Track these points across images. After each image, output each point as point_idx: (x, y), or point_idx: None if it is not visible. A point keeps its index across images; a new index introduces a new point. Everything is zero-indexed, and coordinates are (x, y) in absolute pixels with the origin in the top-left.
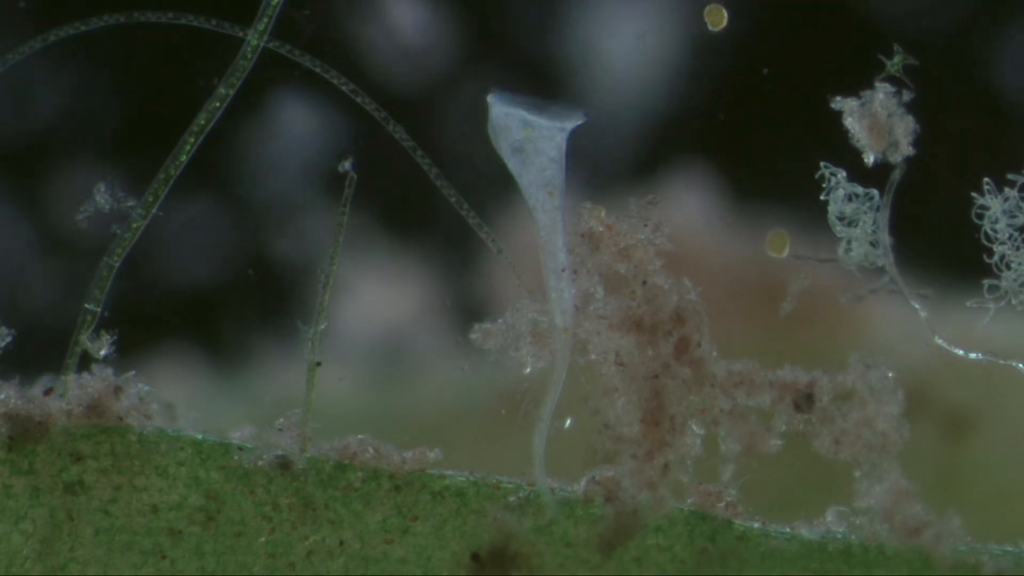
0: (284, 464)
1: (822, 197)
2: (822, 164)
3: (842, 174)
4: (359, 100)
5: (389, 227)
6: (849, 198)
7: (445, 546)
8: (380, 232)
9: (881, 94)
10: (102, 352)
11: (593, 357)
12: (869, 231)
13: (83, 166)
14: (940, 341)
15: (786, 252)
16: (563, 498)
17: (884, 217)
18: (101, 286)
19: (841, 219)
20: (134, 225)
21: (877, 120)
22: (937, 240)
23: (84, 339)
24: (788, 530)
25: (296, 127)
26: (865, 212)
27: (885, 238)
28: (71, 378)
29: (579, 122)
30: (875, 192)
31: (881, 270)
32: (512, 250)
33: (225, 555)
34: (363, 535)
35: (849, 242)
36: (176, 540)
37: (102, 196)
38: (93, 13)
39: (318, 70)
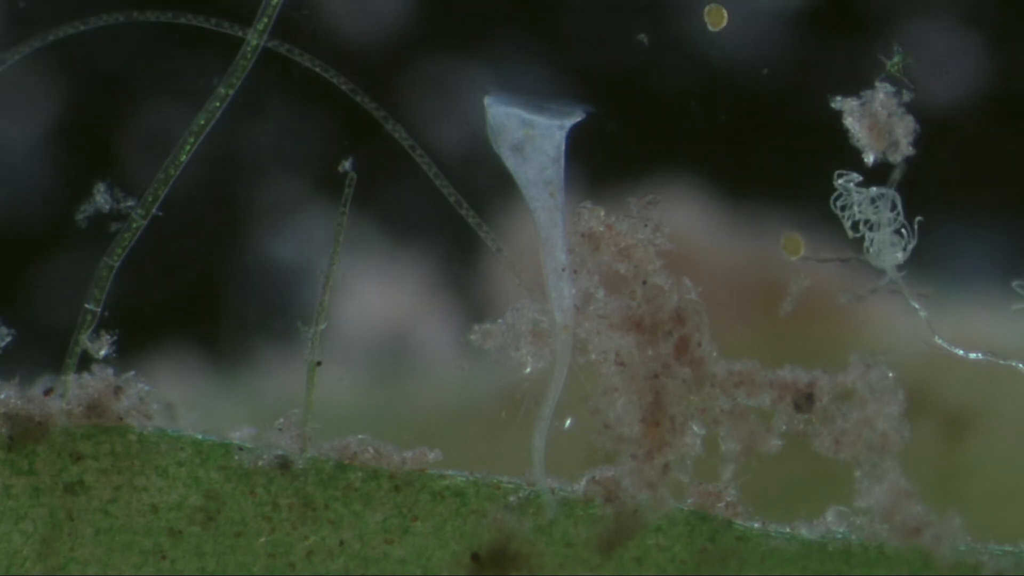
0: (284, 464)
1: (838, 203)
2: (836, 173)
3: (857, 178)
4: (359, 100)
5: (389, 227)
6: (872, 200)
7: (445, 546)
8: (380, 232)
9: (881, 94)
10: (102, 352)
11: (593, 357)
12: (891, 230)
13: (83, 166)
14: (940, 341)
15: (801, 254)
16: (563, 498)
17: (890, 215)
18: (101, 286)
19: (862, 223)
20: (134, 225)
21: (877, 120)
22: (937, 240)
23: (84, 339)
24: (788, 530)
25: (296, 127)
26: (880, 211)
27: (884, 235)
28: (71, 378)
29: (578, 120)
30: (891, 192)
31: (879, 269)
32: (512, 250)
33: (225, 555)
34: (363, 535)
35: (879, 244)
36: (176, 540)
37: (102, 196)
38: (93, 13)
39: (318, 70)
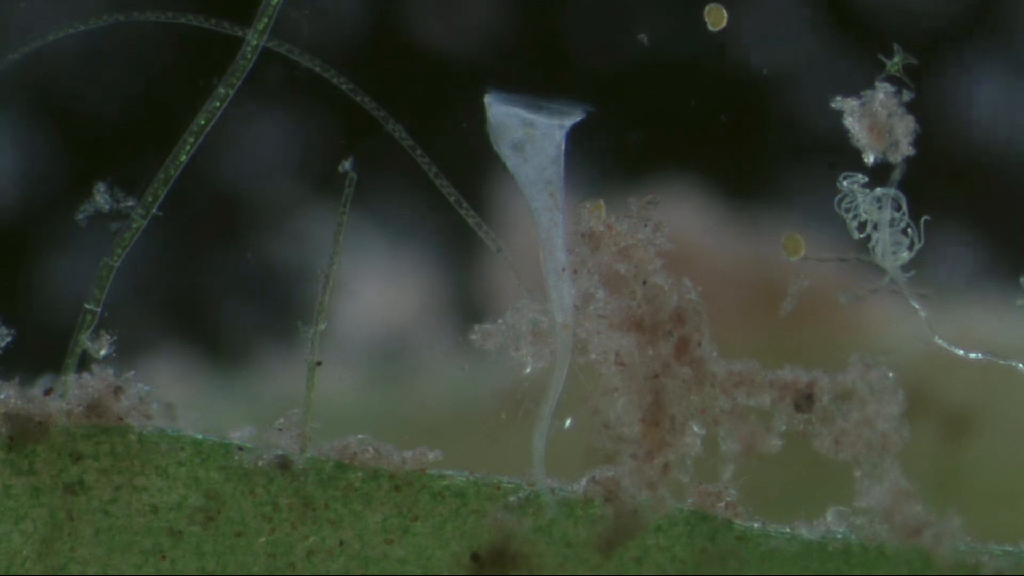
0: (284, 464)
1: (842, 205)
2: (841, 175)
3: (862, 179)
4: (359, 100)
5: (388, 227)
6: (878, 200)
7: (445, 546)
8: (379, 232)
9: (881, 94)
10: (102, 352)
11: (593, 357)
12: (896, 230)
13: (83, 166)
14: (940, 341)
15: (801, 255)
16: (563, 498)
17: (889, 215)
18: (101, 286)
19: (865, 224)
20: (134, 225)
21: (877, 120)
22: (937, 240)
23: (84, 339)
24: (788, 530)
25: (296, 127)
26: (884, 211)
27: (886, 235)
28: (71, 378)
29: (578, 119)
30: (896, 192)
31: (881, 270)
32: (512, 250)
33: (225, 555)
34: (363, 535)
35: (883, 245)
36: (176, 540)
37: (102, 196)
38: (93, 13)
39: (318, 70)
